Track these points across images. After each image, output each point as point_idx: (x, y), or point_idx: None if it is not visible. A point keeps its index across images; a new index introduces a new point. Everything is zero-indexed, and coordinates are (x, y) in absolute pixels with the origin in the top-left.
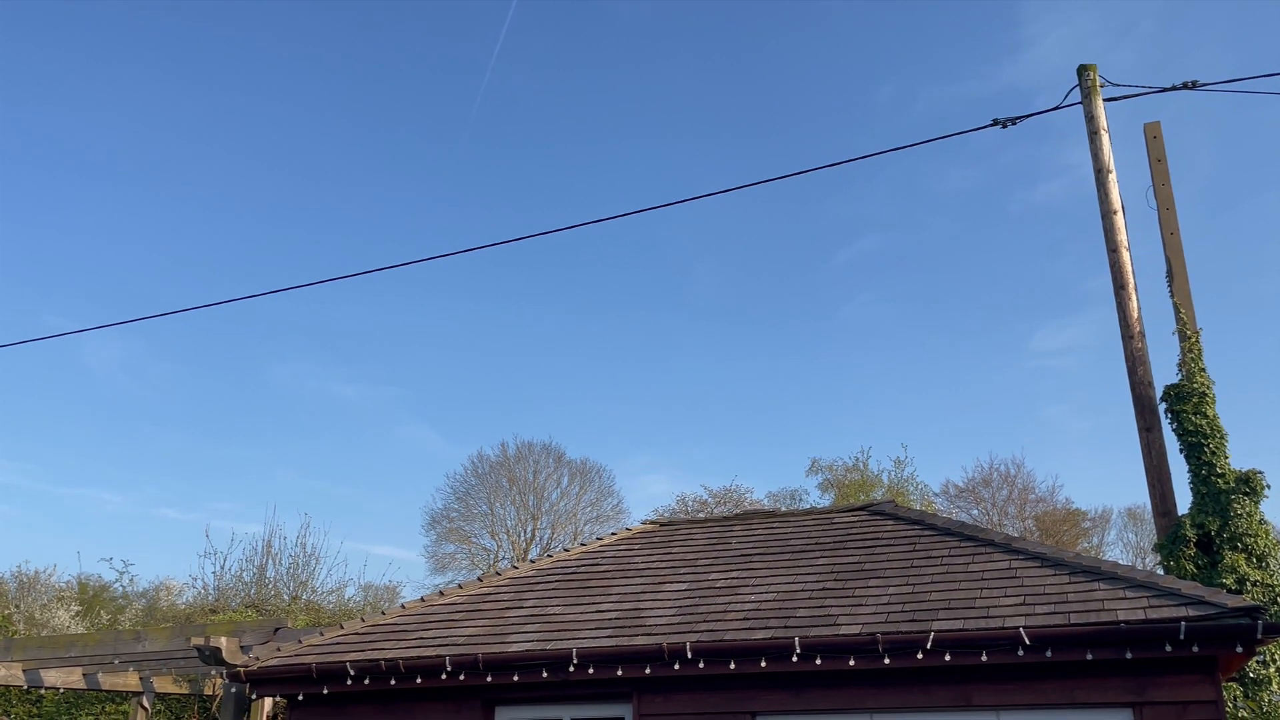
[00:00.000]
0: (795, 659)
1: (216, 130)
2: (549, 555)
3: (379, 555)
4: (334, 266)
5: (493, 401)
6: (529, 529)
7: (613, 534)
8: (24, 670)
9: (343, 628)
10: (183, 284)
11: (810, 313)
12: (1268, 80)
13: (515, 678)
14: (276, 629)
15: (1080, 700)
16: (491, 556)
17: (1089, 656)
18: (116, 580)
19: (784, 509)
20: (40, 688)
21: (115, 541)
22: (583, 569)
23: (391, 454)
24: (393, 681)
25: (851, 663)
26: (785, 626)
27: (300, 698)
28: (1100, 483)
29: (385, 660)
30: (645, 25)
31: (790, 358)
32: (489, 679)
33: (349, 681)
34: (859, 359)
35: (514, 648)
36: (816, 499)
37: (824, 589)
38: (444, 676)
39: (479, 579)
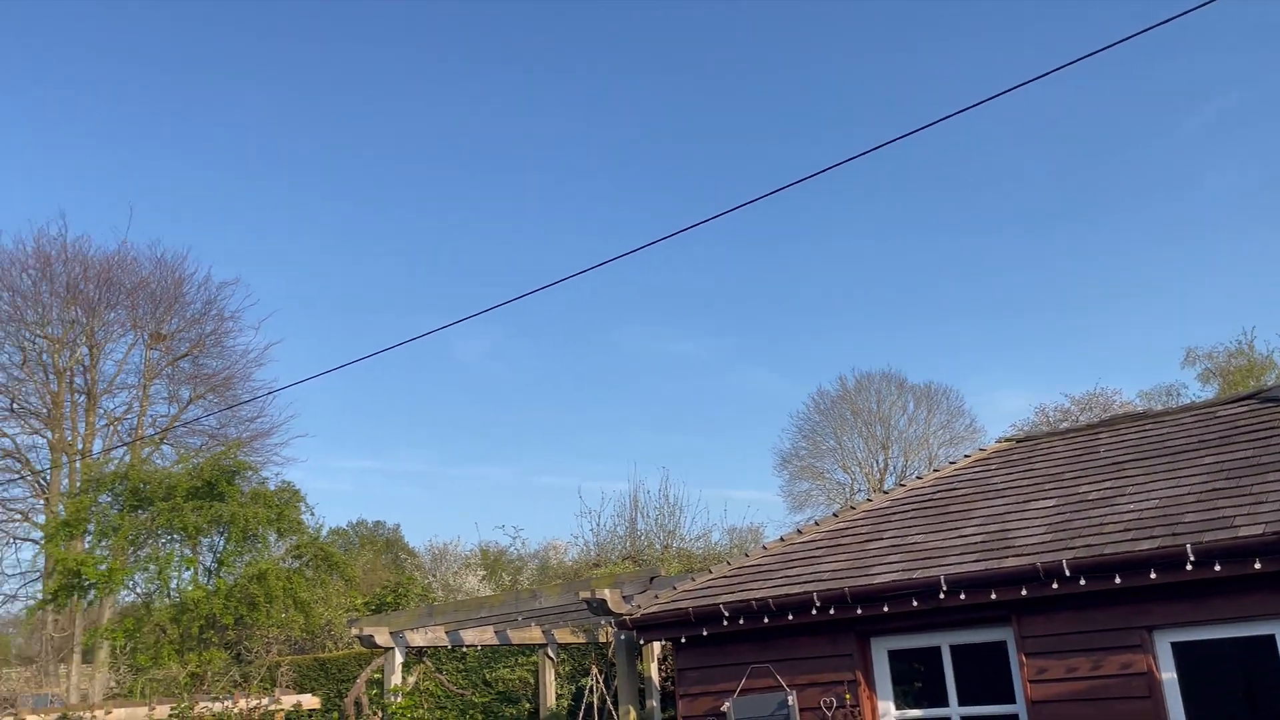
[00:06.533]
0: (1189, 567)
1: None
2: (902, 485)
3: (738, 499)
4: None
5: (825, 336)
6: (880, 459)
7: (966, 456)
8: (446, 632)
9: (710, 572)
10: (519, 270)
11: (1161, 191)
12: None
13: (884, 609)
14: (652, 578)
15: None
16: (846, 490)
17: None
18: (511, 544)
19: (1157, 408)
20: (462, 646)
21: (505, 510)
22: (939, 495)
23: (734, 401)
24: (765, 620)
25: (1257, 566)
26: (1173, 534)
27: (683, 640)
28: None
29: (755, 600)
30: None
31: (1141, 241)
32: (859, 611)
33: (724, 623)
34: (1223, 234)
35: (879, 579)
36: (1196, 392)
37: (1213, 490)
38: (814, 612)
39: (835, 515)
